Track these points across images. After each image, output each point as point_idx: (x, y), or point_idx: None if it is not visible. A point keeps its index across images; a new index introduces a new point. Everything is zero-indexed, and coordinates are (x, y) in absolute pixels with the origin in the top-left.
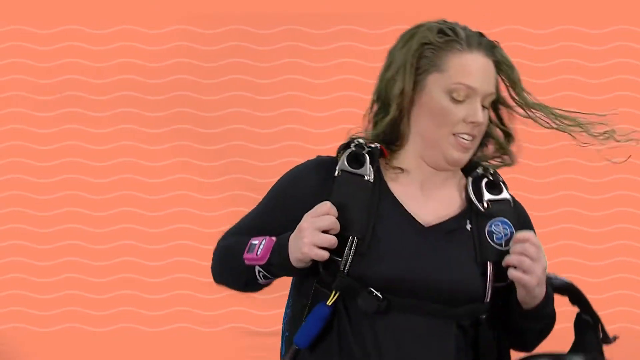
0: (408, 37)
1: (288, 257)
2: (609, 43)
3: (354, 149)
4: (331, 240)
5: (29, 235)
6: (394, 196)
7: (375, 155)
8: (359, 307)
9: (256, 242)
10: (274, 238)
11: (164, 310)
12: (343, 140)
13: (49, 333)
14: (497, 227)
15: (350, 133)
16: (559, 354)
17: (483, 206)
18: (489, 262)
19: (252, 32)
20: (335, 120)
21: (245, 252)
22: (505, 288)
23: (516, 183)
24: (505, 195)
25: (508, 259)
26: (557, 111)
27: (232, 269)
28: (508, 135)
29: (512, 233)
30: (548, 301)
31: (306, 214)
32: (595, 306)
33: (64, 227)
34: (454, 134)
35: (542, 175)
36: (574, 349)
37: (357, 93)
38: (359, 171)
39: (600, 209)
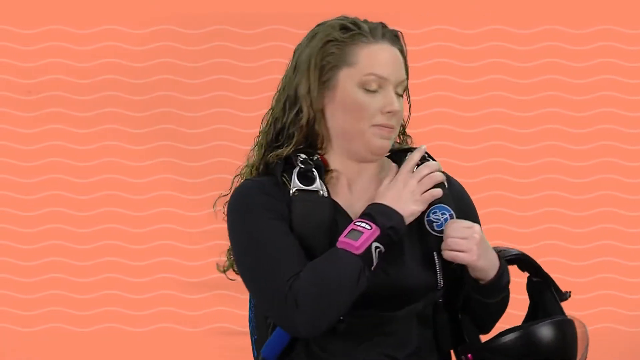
0: (310, 36)
1: (399, 212)
2: (593, 43)
3: (302, 166)
4: (441, 177)
5: (12, 235)
6: (341, 207)
7: (321, 168)
8: None
9: (350, 229)
10: (360, 219)
11: (147, 310)
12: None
13: (32, 333)
14: (435, 215)
15: (255, 141)
16: (528, 326)
17: None
18: (434, 253)
19: (236, 32)
20: None
21: (351, 242)
22: (459, 268)
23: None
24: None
25: (442, 246)
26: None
27: (341, 286)
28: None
29: (451, 215)
30: (503, 273)
31: (400, 175)
32: (577, 306)
33: (48, 227)
34: (373, 125)
35: (525, 176)
36: (533, 313)
37: None
38: (312, 188)
39: (582, 209)
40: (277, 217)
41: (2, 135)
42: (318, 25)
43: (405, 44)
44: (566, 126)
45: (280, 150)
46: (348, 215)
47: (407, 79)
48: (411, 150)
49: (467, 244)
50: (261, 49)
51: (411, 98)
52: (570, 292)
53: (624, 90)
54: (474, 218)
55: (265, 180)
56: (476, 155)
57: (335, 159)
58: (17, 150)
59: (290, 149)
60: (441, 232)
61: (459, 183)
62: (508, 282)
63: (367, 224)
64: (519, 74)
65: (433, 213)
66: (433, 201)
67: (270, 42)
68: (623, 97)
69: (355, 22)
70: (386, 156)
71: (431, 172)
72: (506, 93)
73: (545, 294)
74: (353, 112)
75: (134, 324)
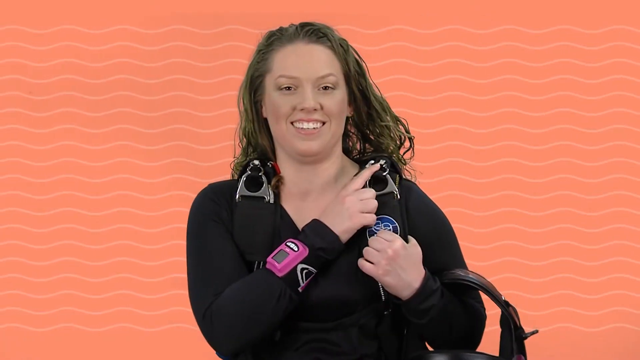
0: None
1: (333, 232)
2: (606, 43)
3: (250, 172)
4: (375, 204)
5: (25, 235)
6: (287, 214)
7: (271, 175)
8: None
9: (279, 250)
10: (292, 239)
11: (160, 310)
12: None
13: (45, 333)
14: (377, 226)
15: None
16: (460, 352)
17: None
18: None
19: (248, 32)
20: None
21: (276, 264)
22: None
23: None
24: (389, 188)
25: (364, 251)
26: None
27: (258, 306)
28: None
29: (395, 228)
30: (425, 297)
31: (343, 192)
32: (536, 306)
33: (60, 227)
34: (291, 123)
35: (538, 176)
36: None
37: None
38: (258, 194)
39: (595, 209)
40: (221, 227)
41: (14, 135)
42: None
43: (337, 39)
44: (580, 126)
45: (241, 158)
46: (294, 223)
47: (352, 70)
48: (376, 159)
49: (377, 257)
50: (219, 49)
51: (424, 98)
52: (536, 330)
53: (638, 90)
54: (443, 236)
55: (226, 185)
56: (488, 156)
57: (287, 166)
58: (29, 150)
59: (246, 157)
60: None
61: (428, 199)
62: (432, 306)
63: (295, 245)
64: (532, 74)
65: (376, 224)
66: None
67: (228, 42)
68: (637, 98)
69: (281, 28)
70: (355, 158)
71: (371, 197)
72: (519, 93)
73: (504, 328)
74: (273, 114)
75: (146, 324)
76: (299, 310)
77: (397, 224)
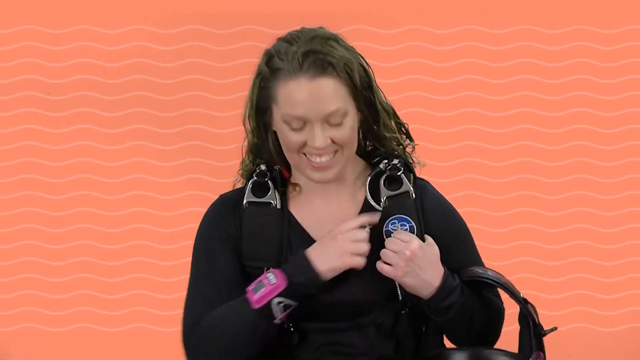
0: (257, 67)
1: (316, 270)
2: (623, 43)
3: (256, 177)
4: (367, 248)
5: (39, 235)
6: (296, 220)
7: (277, 179)
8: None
9: (259, 281)
10: (272, 269)
11: (174, 311)
12: None
13: (61, 333)
14: (394, 225)
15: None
16: (481, 349)
17: (381, 205)
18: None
19: (210, 32)
20: None
21: (253, 296)
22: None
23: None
24: (405, 188)
25: (381, 254)
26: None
27: (234, 339)
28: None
29: (411, 227)
30: (443, 295)
31: (337, 228)
32: (551, 306)
33: (76, 227)
34: (304, 154)
35: (500, 175)
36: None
37: None
38: (264, 199)
39: (557, 209)
40: (226, 245)
41: (30, 135)
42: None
43: (341, 62)
44: (596, 126)
45: (248, 165)
46: (304, 230)
47: (359, 88)
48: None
49: (395, 258)
50: (235, 49)
51: (440, 98)
52: (555, 328)
53: None
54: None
55: (236, 194)
56: (505, 156)
57: (296, 172)
58: (46, 150)
59: (253, 164)
60: None
61: (443, 198)
62: (453, 304)
63: (274, 276)
64: (548, 74)
65: (392, 224)
66: (393, 212)
67: (246, 42)
68: None
69: (279, 50)
70: (363, 154)
71: (364, 239)
72: (535, 93)
73: (522, 325)
74: (284, 144)
75: (162, 324)
76: (315, 311)
77: (413, 224)
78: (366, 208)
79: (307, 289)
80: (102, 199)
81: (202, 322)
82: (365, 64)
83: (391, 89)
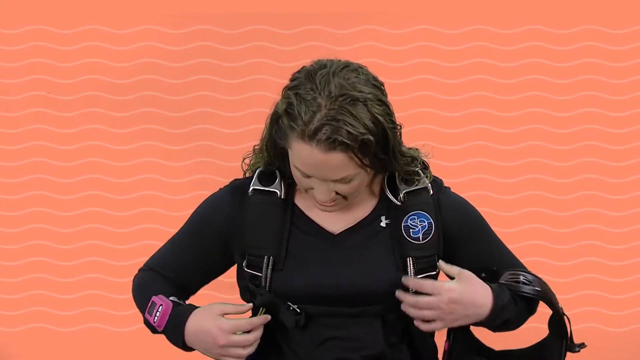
0: (276, 104)
1: (182, 340)
2: (632, 43)
3: (262, 168)
4: (241, 353)
5: (50, 235)
6: (301, 209)
7: (285, 172)
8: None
9: (156, 303)
10: (170, 305)
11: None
12: None
13: (69, 333)
14: (414, 221)
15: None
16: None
17: (399, 200)
18: (408, 258)
19: (220, 31)
20: None
21: (147, 312)
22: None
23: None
24: (422, 184)
25: (411, 313)
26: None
27: (139, 305)
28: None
29: (430, 224)
30: (496, 314)
31: (224, 322)
32: (563, 306)
33: (85, 227)
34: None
35: (509, 175)
36: (539, 346)
37: None
38: (270, 188)
39: (567, 209)
40: (201, 231)
41: (39, 135)
42: (288, 84)
43: (352, 140)
44: (606, 126)
45: (258, 161)
46: (309, 218)
47: (372, 154)
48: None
49: (436, 314)
50: (245, 49)
51: (451, 98)
52: (584, 344)
53: None
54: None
55: (247, 183)
56: (515, 156)
57: None
58: (54, 150)
59: (263, 162)
60: (417, 238)
61: (457, 195)
62: (508, 320)
63: (158, 316)
64: (558, 74)
65: (411, 219)
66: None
67: (255, 42)
68: None
69: (299, 103)
70: None
71: (240, 344)
72: (545, 93)
73: (554, 333)
74: (295, 179)
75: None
76: (320, 294)
77: (431, 220)
78: (384, 201)
79: (173, 342)
80: (111, 198)
81: (141, 275)
82: (389, 124)
83: (400, 89)
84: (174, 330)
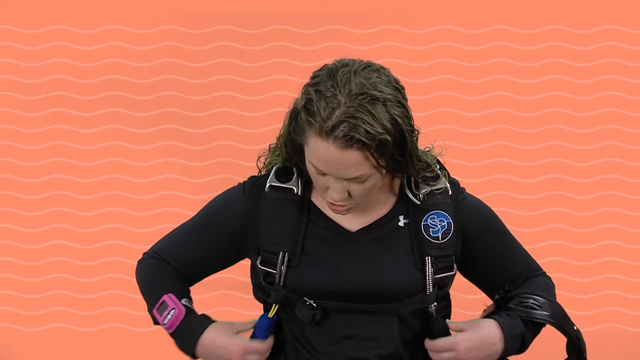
0: (296, 100)
1: (193, 352)
2: (597, 43)
3: (280, 165)
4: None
5: (17, 235)
6: (317, 207)
7: (303, 169)
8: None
9: (168, 304)
10: (183, 311)
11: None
12: None
13: (37, 333)
14: (433, 221)
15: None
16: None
17: (419, 199)
18: (427, 257)
19: (240, 32)
20: None
21: (155, 308)
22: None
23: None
24: (441, 184)
25: None
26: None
27: (145, 294)
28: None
29: (449, 224)
30: (510, 344)
31: (240, 343)
32: (582, 306)
33: (51, 227)
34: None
35: (530, 175)
36: None
37: None
38: (287, 185)
39: (587, 209)
40: (213, 224)
41: (5, 135)
42: (305, 87)
43: (370, 139)
44: (626, 127)
45: (274, 159)
46: (326, 215)
47: (388, 155)
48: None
49: None
50: (265, 49)
51: (471, 98)
52: None
53: None
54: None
55: (264, 180)
56: (534, 156)
57: None
58: (20, 150)
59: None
60: (436, 238)
61: (478, 200)
62: (525, 340)
63: (170, 318)
64: (578, 74)
65: (431, 218)
66: (432, 207)
67: (275, 42)
68: (627, 97)
69: (319, 99)
70: None
71: None
72: (566, 93)
73: (572, 356)
74: (311, 177)
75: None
76: (336, 293)
77: (451, 220)
78: (402, 201)
79: (180, 348)
80: (132, 198)
81: (148, 261)
82: (407, 127)
83: (421, 89)
84: (185, 340)
